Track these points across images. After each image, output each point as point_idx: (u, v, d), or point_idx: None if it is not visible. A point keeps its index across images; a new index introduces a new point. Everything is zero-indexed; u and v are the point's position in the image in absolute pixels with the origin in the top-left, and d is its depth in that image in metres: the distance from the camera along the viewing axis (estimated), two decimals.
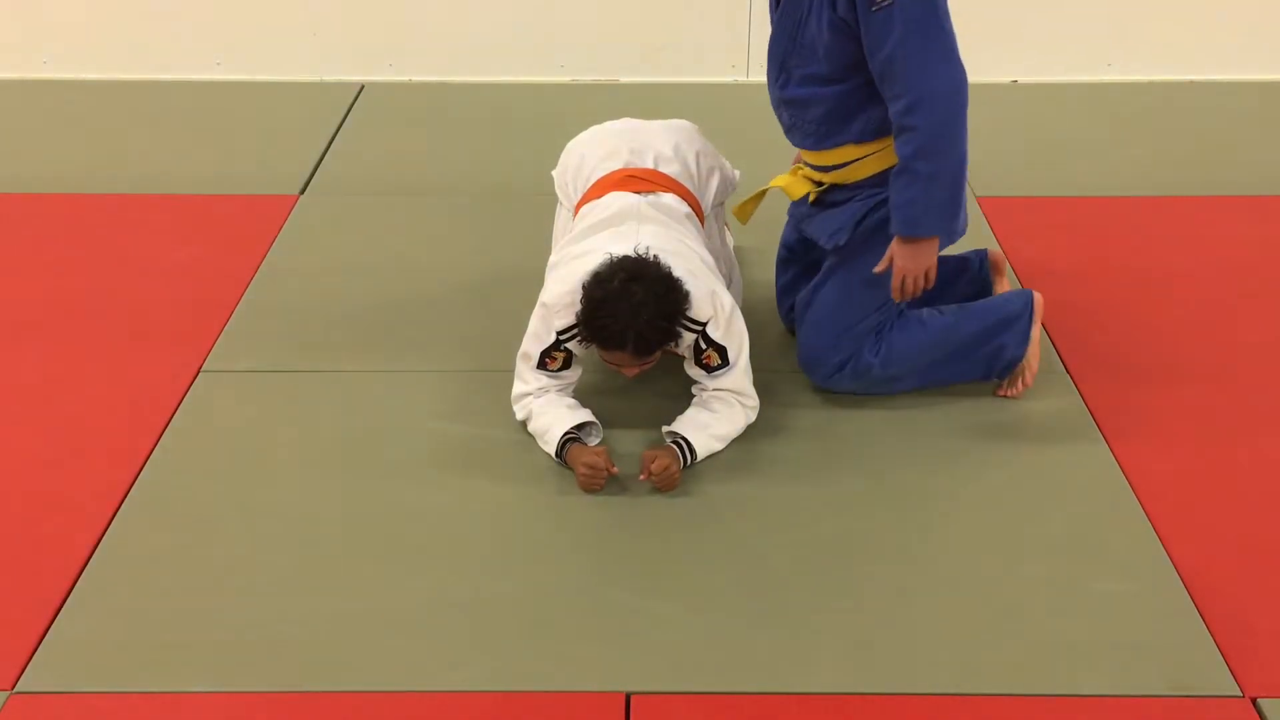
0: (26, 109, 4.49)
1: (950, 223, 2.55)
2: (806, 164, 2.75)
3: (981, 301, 2.82)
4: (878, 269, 2.60)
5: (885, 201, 2.58)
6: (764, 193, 2.89)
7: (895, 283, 2.58)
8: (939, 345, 2.74)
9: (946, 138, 2.45)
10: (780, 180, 2.81)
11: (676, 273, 2.44)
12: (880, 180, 2.61)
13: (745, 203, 2.91)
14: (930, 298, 2.77)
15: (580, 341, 2.49)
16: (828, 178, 2.70)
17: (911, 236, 2.52)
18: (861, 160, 2.62)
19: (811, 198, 2.76)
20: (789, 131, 2.74)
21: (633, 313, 2.35)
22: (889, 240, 2.58)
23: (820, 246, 2.75)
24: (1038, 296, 2.79)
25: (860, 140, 2.59)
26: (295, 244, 3.50)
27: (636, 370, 2.52)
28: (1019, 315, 2.76)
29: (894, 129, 2.48)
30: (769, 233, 3.44)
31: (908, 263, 2.55)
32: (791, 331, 2.98)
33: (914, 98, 2.41)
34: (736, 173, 3.01)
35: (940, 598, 2.27)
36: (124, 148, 4.16)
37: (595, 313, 2.39)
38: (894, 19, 2.36)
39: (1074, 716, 2.04)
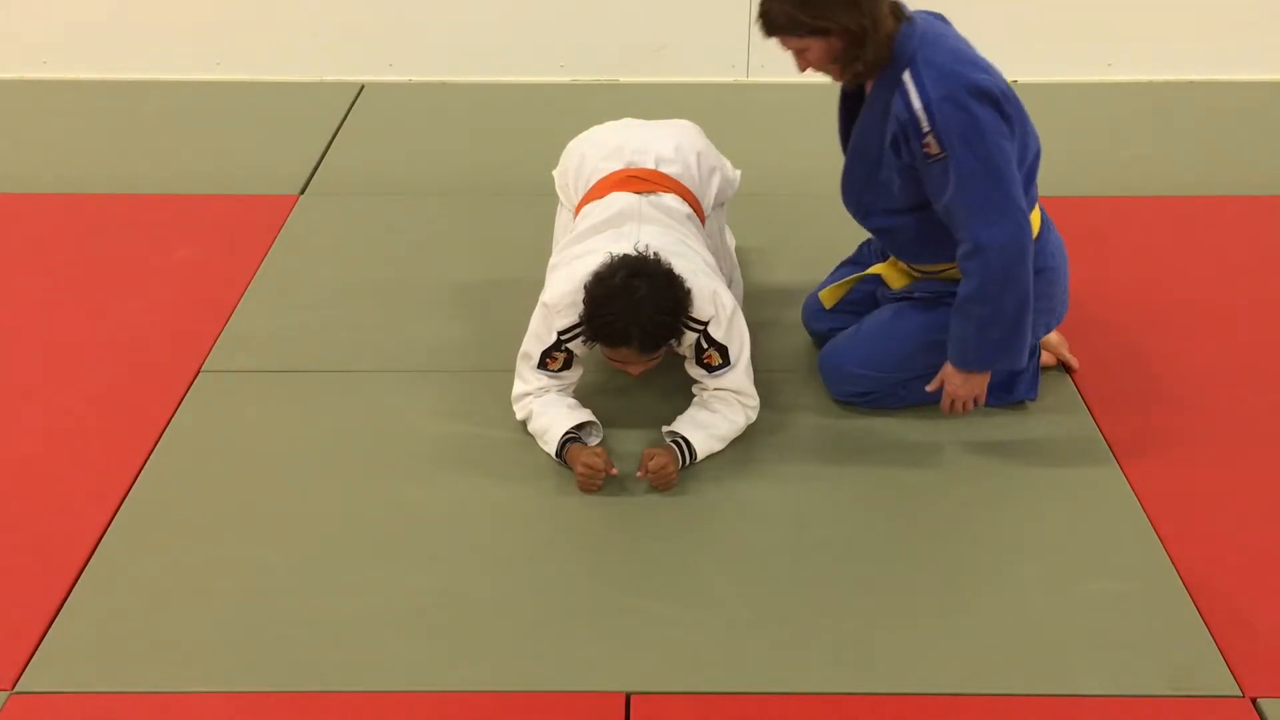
0: (26, 109, 4.49)
1: (1004, 358, 2.55)
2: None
3: None
4: (929, 387, 2.64)
5: None
6: (855, 279, 2.85)
7: (945, 404, 2.65)
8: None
9: (1001, 286, 2.43)
10: (879, 268, 2.78)
11: (677, 271, 2.44)
12: None
13: (835, 288, 2.86)
14: None
15: (585, 342, 2.50)
16: (927, 276, 2.69)
17: (965, 371, 2.57)
18: (955, 268, 2.59)
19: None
20: (885, 247, 2.75)
21: (635, 309, 2.36)
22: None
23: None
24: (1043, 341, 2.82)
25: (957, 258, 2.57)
26: (295, 244, 3.50)
27: (642, 368, 2.51)
28: (1027, 365, 2.75)
29: (958, 265, 2.48)
30: (770, 233, 3.45)
31: (958, 389, 2.61)
32: (816, 339, 2.96)
33: (970, 246, 2.41)
34: (737, 173, 3.01)
35: (940, 598, 2.27)
36: (124, 148, 4.16)
37: (598, 310, 2.39)
38: (949, 172, 2.36)
39: (1074, 716, 2.04)
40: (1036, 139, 2.54)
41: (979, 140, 2.34)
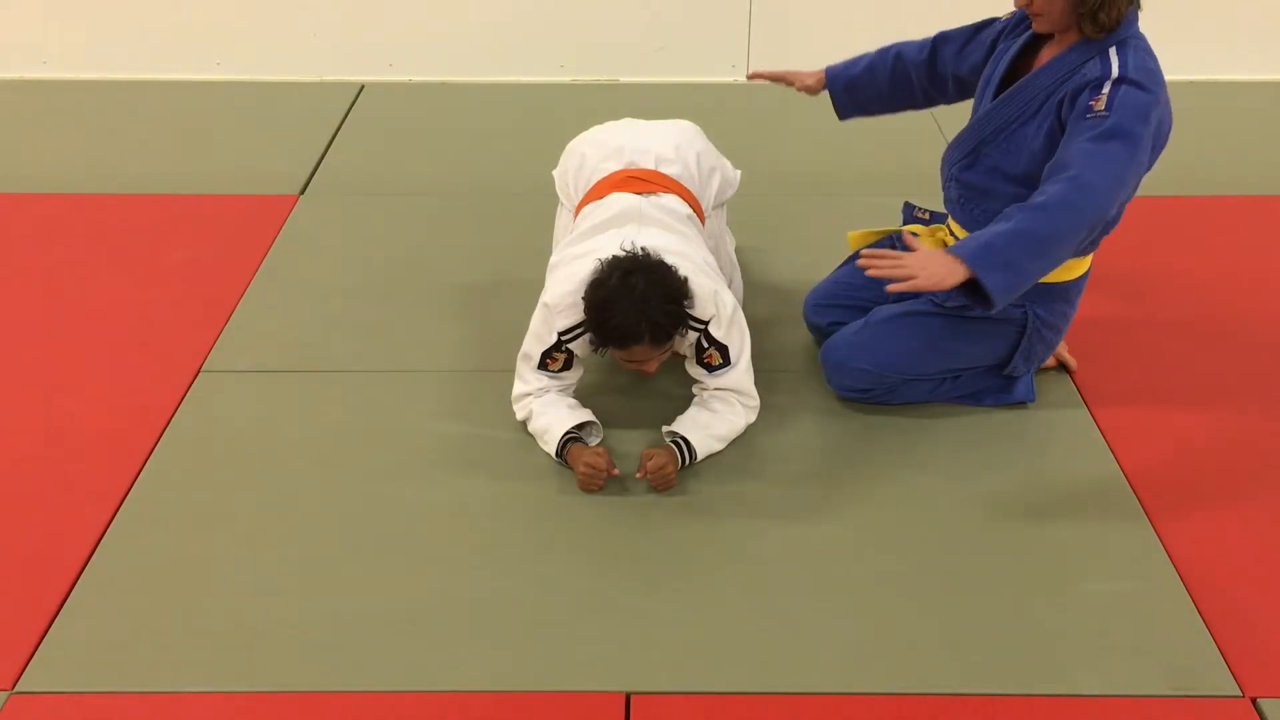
0: (26, 109, 4.49)
1: (995, 276, 2.29)
2: (954, 234, 2.71)
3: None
4: (874, 271, 2.34)
5: (1006, 307, 2.57)
6: (888, 230, 2.85)
7: (890, 262, 2.31)
8: (954, 392, 2.77)
9: (1062, 221, 2.32)
10: (917, 227, 2.78)
11: (671, 264, 2.44)
12: None
13: (865, 234, 2.84)
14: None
15: (596, 349, 2.50)
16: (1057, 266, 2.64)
17: (958, 256, 2.31)
18: None
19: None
20: (955, 205, 2.69)
21: (640, 304, 2.36)
22: (985, 338, 2.63)
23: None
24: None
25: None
26: (295, 244, 3.50)
27: (656, 364, 2.51)
28: (1025, 372, 2.76)
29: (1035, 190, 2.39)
30: (769, 233, 3.45)
31: (924, 262, 2.30)
32: (816, 334, 2.96)
33: (1071, 175, 2.32)
34: (737, 173, 3.01)
35: (940, 598, 2.27)
36: (124, 148, 4.16)
37: (604, 315, 2.39)
38: (1099, 127, 2.34)
39: (1074, 716, 2.04)
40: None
41: (1140, 130, 2.33)
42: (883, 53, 2.84)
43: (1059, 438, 2.69)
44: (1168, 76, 2.44)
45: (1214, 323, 3.09)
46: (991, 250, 2.32)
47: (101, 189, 3.83)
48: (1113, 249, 3.42)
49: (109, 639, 2.18)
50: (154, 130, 4.30)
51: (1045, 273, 2.39)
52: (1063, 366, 2.89)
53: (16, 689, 2.08)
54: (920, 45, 2.79)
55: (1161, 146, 2.44)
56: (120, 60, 4.72)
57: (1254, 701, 2.05)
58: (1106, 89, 2.35)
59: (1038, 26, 2.46)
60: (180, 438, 2.69)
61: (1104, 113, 2.33)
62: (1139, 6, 2.42)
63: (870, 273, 2.35)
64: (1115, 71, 2.35)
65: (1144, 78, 2.36)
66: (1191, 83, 4.62)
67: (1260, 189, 3.80)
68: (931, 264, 2.30)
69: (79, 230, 3.58)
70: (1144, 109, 2.34)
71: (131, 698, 2.07)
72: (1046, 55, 2.50)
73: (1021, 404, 2.77)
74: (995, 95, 2.57)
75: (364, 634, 2.18)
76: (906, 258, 2.32)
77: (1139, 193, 3.77)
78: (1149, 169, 2.45)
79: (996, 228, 2.35)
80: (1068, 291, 2.65)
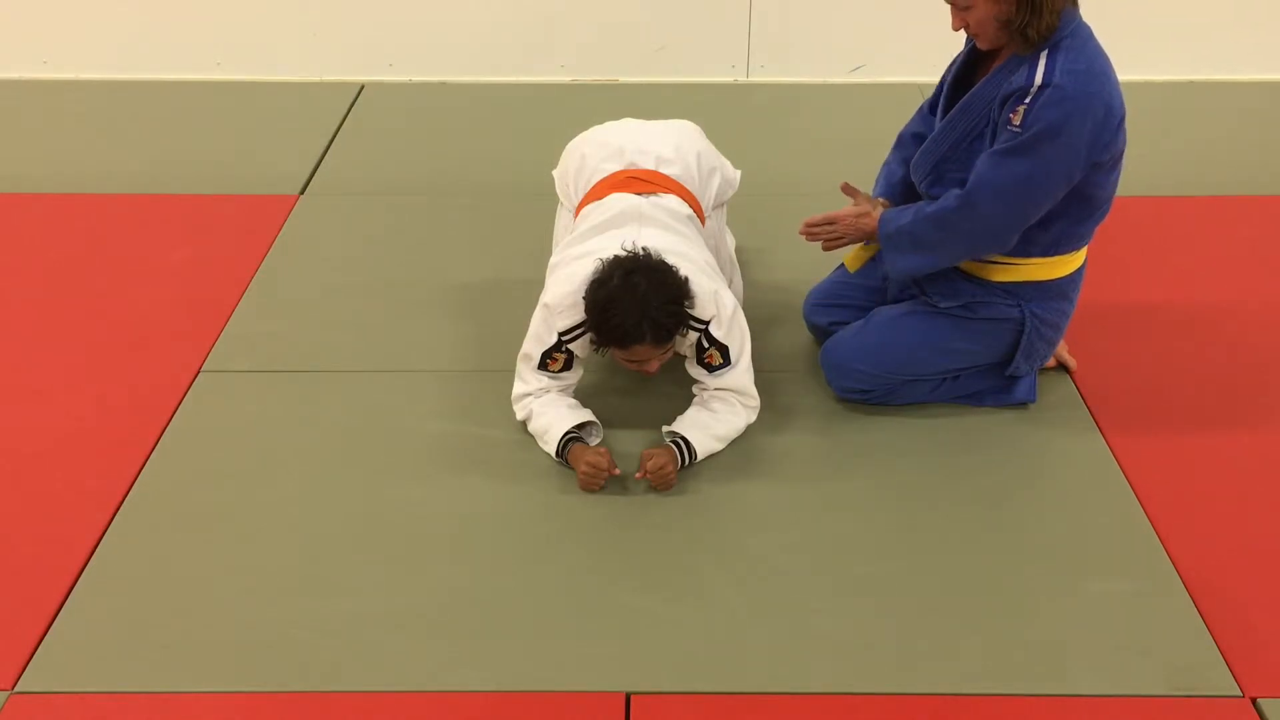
0: (26, 109, 4.49)
1: (895, 254, 2.61)
2: None
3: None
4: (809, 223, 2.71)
5: (1003, 307, 2.62)
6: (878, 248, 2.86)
7: (822, 220, 2.70)
8: (955, 393, 2.77)
9: (943, 237, 2.52)
10: None
11: (672, 264, 2.44)
12: (1009, 290, 2.62)
13: (861, 251, 2.84)
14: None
15: (597, 349, 2.50)
16: (959, 263, 2.69)
17: (879, 228, 2.63)
18: (998, 266, 2.61)
19: None
20: None
21: (642, 303, 2.36)
22: (984, 338, 2.64)
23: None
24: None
25: (1005, 251, 2.58)
26: (295, 244, 3.50)
27: (657, 364, 2.51)
28: (1028, 372, 2.76)
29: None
30: (770, 233, 3.45)
31: (850, 219, 2.67)
32: (816, 334, 2.97)
33: (965, 193, 2.46)
34: (737, 173, 3.01)
35: (940, 598, 2.27)
36: (124, 148, 4.16)
37: (605, 314, 2.38)
38: (1010, 141, 2.39)
39: (1074, 716, 2.04)
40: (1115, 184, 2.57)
41: (1044, 147, 2.36)
42: (886, 173, 2.85)
43: (1059, 438, 2.69)
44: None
45: (1214, 323, 3.09)
46: (893, 239, 2.62)
47: (101, 189, 3.83)
48: (1113, 249, 3.43)
49: (109, 639, 2.18)
50: (154, 130, 4.30)
51: (943, 266, 2.61)
52: (1063, 366, 2.89)
53: (16, 689, 2.08)
54: (897, 155, 2.81)
55: (1110, 138, 2.42)
56: (120, 60, 4.72)
57: (1254, 701, 2.05)
58: (1027, 100, 2.36)
59: (980, 45, 2.48)
60: (180, 438, 2.69)
61: (1018, 128, 2.38)
62: (1076, 4, 2.41)
63: (810, 239, 2.74)
64: (1039, 80, 2.36)
65: (1069, 81, 2.34)
66: (1191, 83, 4.61)
67: (1260, 189, 3.80)
68: (850, 219, 2.69)
69: (79, 230, 3.58)
70: (1057, 122, 2.35)
71: (131, 698, 2.07)
72: (994, 66, 2.50)
73: (1022, 404, 2.77)
74: (944, 112, 2.59)
75: (364, 634, 2.18)
76: (839, 224, 2.70)
77: (1138, 193, 3.76)
78: (1110, 158, 2.45)
79: (904, 220, 2.59)
80: (1063, 288, 2.65)
